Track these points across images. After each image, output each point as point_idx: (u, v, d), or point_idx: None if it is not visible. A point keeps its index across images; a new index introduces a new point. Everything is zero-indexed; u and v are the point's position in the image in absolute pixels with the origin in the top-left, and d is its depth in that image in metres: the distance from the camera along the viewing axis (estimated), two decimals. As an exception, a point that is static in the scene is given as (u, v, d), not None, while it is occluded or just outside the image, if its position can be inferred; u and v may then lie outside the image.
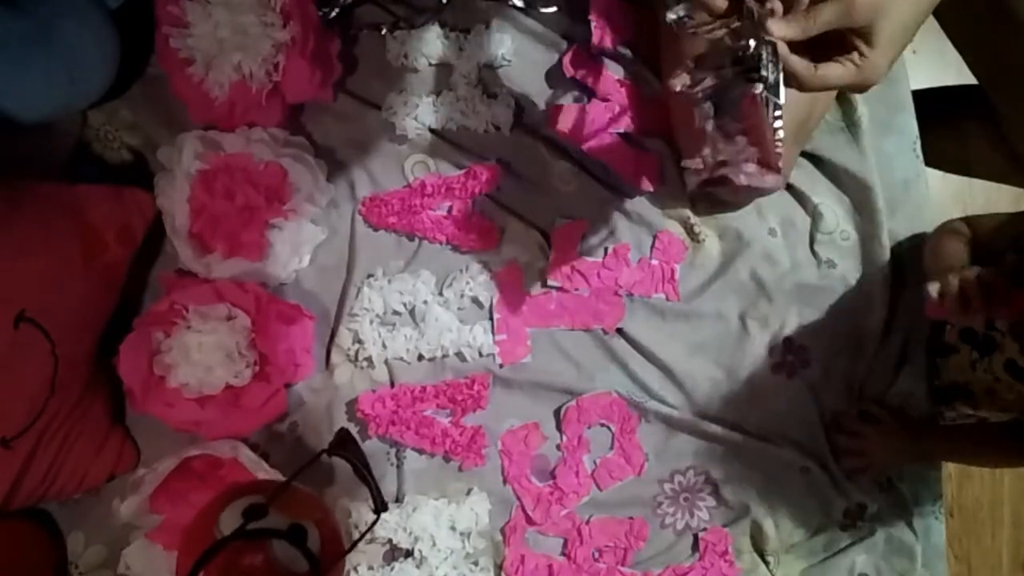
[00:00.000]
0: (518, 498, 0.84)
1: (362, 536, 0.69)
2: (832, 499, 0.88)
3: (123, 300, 0.82)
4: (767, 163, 0.55)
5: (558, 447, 0.85)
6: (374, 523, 0.69)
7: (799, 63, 0.52)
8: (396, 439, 0.82)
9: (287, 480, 0.65)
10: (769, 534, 0.87)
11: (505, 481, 0.85)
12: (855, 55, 0.52)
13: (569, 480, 0.84)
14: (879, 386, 0.90)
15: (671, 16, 0.55)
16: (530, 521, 0.84)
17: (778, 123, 0.52)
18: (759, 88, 0.51)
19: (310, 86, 0.79)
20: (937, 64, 1.04)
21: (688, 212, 0.86)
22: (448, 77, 0.85)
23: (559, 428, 0.86)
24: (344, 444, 0.72)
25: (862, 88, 0.55)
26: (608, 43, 0.83)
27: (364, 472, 0.69)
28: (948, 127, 0.95)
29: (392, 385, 0.84)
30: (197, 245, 0.79)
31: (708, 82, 0.55)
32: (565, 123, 0.82)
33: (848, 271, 0.89)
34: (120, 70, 0.76)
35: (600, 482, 0.85)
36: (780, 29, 0.50)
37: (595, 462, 0.86)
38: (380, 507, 0.68)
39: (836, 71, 0.52)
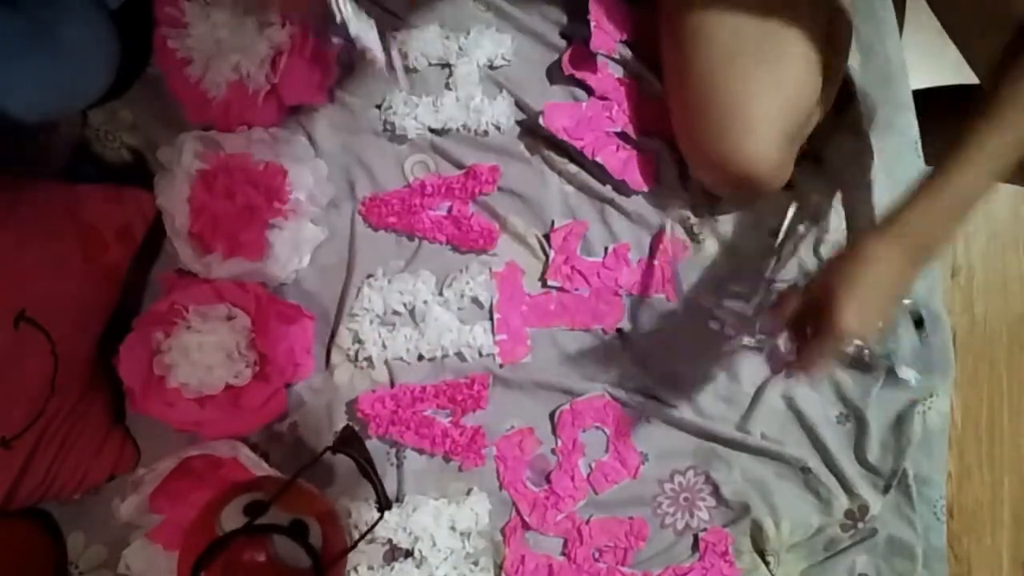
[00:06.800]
0: (514, 503, 0.84)
1: (364, 535, 0.69)
2: (832, 499, 0.87)
3: (123, 300, 0.82)
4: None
5: (553, 451, 0.85)
6: (378, 521, 0.68)
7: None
8: (396, 439, 0.82)
9: (291, 478, 0.65)
10: (769, 534, 0.86)
11: (501, 487, 0.84)
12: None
13: (565, 484, 0.84)
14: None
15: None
16: (527, 526, 0.84)
17: None
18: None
19: (308, 87, 0.80)
20: (937, 64, 1.04)
21: (688, 212, 0.86)
22: (448, 77, 0.85)
23: (554, 432, 0.85)
24: (349, 441, 0.72)
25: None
26: (608, 43, 0.83)
27: (368, 469, 0.69)
28: (949, 127, 0.95)
29: (392, 385, 0.84)
30: (197, 245, 0.79)
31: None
32: (556, 121, 0.83)
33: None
34: (120, 70, 0.76)
35: (596, 486, 0.85)
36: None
37: (590, 465, 0.85)
38: (384, 505, 0.68)
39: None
